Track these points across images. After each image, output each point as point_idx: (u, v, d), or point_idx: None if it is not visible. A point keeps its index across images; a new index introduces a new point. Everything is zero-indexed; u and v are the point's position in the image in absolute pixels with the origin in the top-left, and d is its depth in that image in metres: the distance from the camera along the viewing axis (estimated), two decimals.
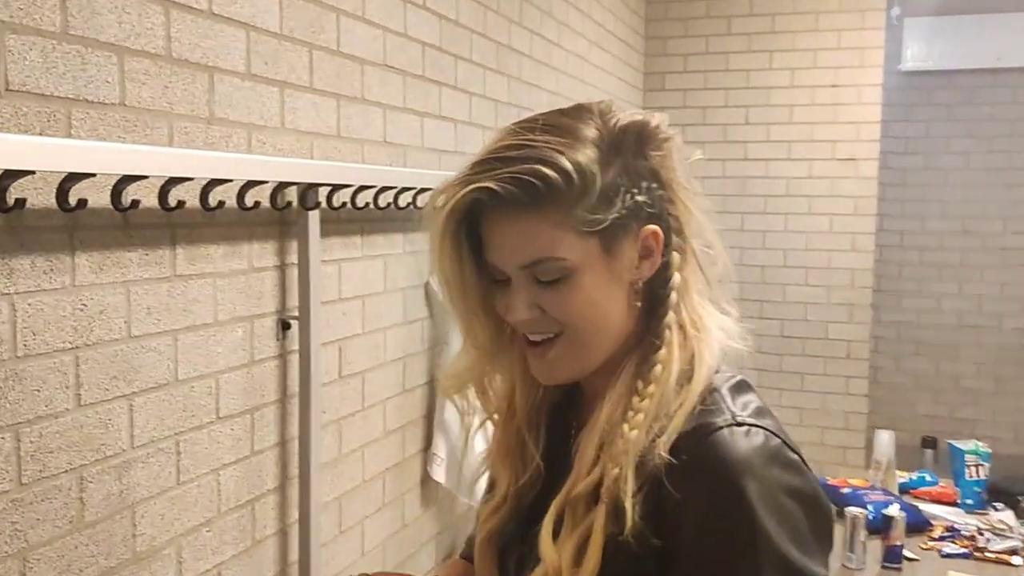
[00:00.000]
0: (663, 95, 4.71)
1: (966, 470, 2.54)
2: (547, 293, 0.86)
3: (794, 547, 0.77)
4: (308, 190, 1.76)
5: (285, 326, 1.80)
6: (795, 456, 0.82)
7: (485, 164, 0.84)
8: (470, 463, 2.35)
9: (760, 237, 4.48)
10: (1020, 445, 5.20)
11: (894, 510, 2.25)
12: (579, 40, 3.59)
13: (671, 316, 0.87)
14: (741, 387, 0.87)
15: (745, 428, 0.80)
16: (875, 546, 2.26)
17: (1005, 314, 5.35)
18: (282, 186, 1.69)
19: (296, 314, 1.81)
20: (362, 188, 1.96)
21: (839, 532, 2.16)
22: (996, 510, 2.48)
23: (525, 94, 3.03)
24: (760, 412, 0.84)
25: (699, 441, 0.80)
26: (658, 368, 0.85)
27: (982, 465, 2.54)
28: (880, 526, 2.24)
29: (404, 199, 2.15)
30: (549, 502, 0.88)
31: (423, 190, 2.21)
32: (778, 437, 0.82)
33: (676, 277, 0.88)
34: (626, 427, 0.82)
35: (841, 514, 2.21)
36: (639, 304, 0.89)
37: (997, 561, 2.15)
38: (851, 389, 4.43)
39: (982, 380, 5.43)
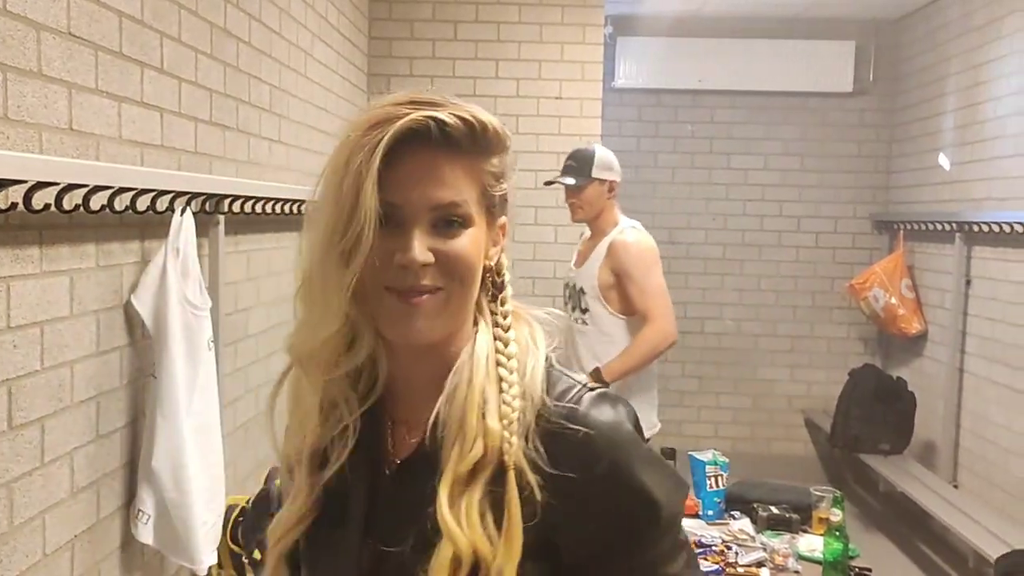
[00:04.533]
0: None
1: (707, 481, 2.57)
2: (442, 242, 0.88)
3: (656, 467, 0.92)
4: None
5: None
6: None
7: (420, 103, 0.86)
8: (188, 516, 1.98)
9: None
10: (721, 441, 5.60)
11: None
12: (302, 32, 3.28)
13: (511, 302, 0.97)
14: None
15: (595, 392, 0.92)
16: None
17: (706, 318, 5.74)
18: None
19: None
20: (39, 185, 1.54)
21: None
22: (735, 519, 2.53)
23: (244, 85, 2.68)
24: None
25: (569, 406, 0.89)
26: (513, 347, 0.92)
27: (721, 475, 2.58)
28: None
29: (97, 200, 1.74)
30: (381, 502, 0.92)
31: (122, 190, 1.81)
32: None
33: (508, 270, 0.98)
34: (509, 397, 0.88)
35: None
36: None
37: (747, 575, 2.17)
38: None
39: (687, 381, 5.79)
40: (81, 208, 1.70)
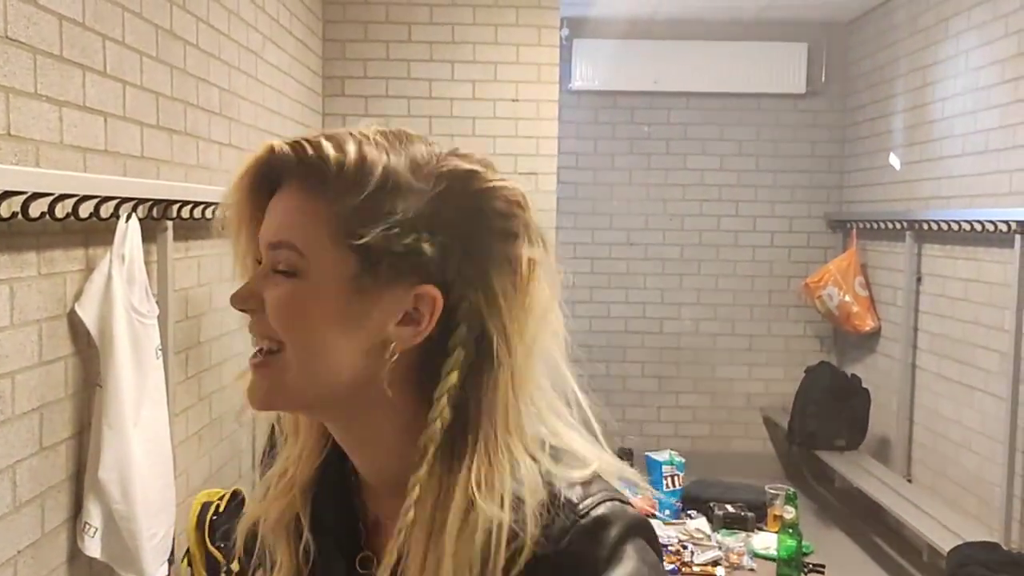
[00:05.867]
0: (343, 101, 4.47)
1: (663, 481, 2.58)
2: (273, 287, 0.72)
3: None
4: None
5: None
6: None
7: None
8: (136, 529, 1.95)
9: None
10: (681, 440, 5.64)
11: None
12: (252, 34, 3.24)
13: (435, 428, 0.70)
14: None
15: (590, 520, 0.72)
16: None
17: (665, 318, 5.78)
18: None
19: None
20: None
21: None
22: (691, 518, 2.55)
23: (193, 88, 2.64)
24: None
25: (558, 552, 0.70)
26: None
27: (677, 475, 2.60)
28: None
29: (37, 208, 1.70)
30: None
31: (64, 197, 1.77)
32: None
33: (452, 376, 0.70)
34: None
35: None
36: (400, 376, 0.72)
37: (703, 574, 2.18)
38: None
39: (646, 381, 5.82)
40: (20, 215, 1.66)
